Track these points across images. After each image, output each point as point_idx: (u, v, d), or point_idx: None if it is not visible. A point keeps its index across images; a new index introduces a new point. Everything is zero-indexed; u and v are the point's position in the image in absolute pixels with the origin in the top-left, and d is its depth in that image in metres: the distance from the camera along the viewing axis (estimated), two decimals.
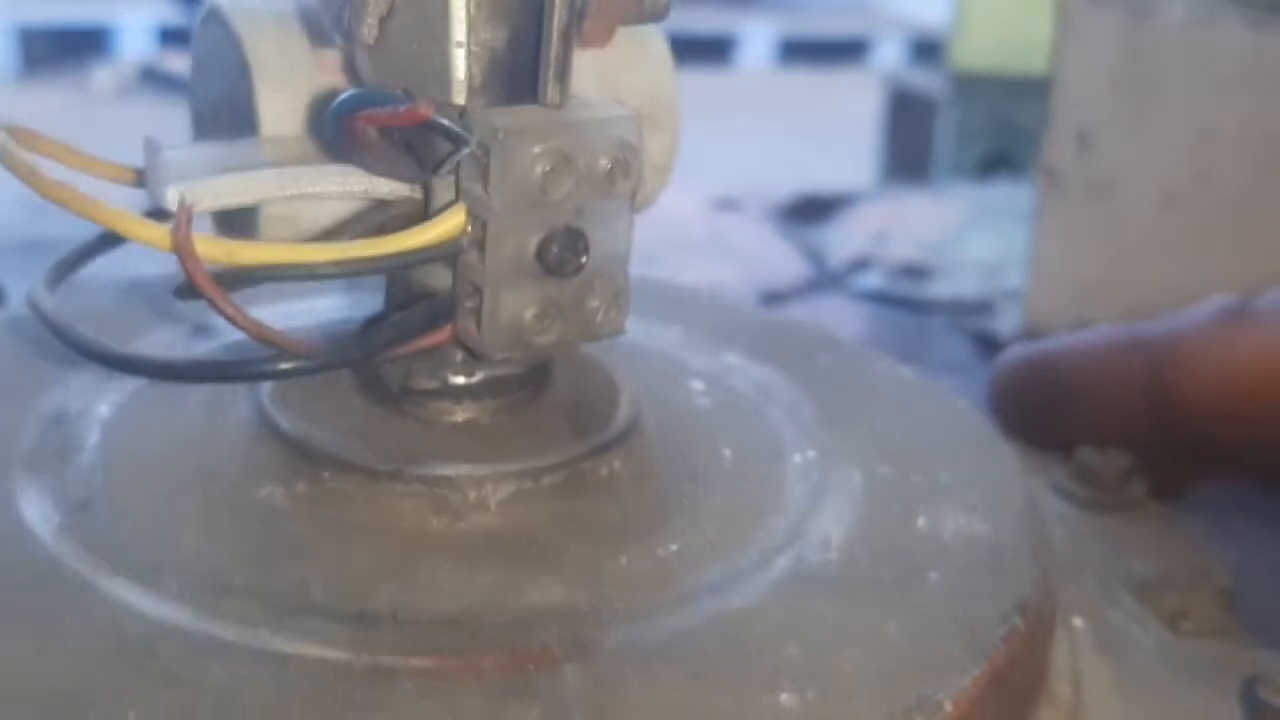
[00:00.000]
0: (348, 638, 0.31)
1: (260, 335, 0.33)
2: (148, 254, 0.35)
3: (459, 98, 0.34)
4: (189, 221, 0.31)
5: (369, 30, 0.34)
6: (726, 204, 1.32)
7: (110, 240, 0.38)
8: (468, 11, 0.33)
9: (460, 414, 0.38)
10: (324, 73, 0.36)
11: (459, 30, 0.33)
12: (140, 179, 0.37)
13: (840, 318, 1.16)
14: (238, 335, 0.43)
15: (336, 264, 0.33)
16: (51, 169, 0.35)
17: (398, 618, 0.32)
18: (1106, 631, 0.40)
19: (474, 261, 0.34)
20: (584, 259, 0.34)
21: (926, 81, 3.69)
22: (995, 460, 0.43)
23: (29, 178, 0.33)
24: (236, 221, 0.35)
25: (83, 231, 0.37)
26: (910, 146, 3.61)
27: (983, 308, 1.20)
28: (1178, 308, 1.01)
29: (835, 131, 5.24)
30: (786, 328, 0.52)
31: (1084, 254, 1.13)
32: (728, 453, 0.41)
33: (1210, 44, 1.01)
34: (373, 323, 0.38)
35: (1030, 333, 1.18)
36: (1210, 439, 0.47)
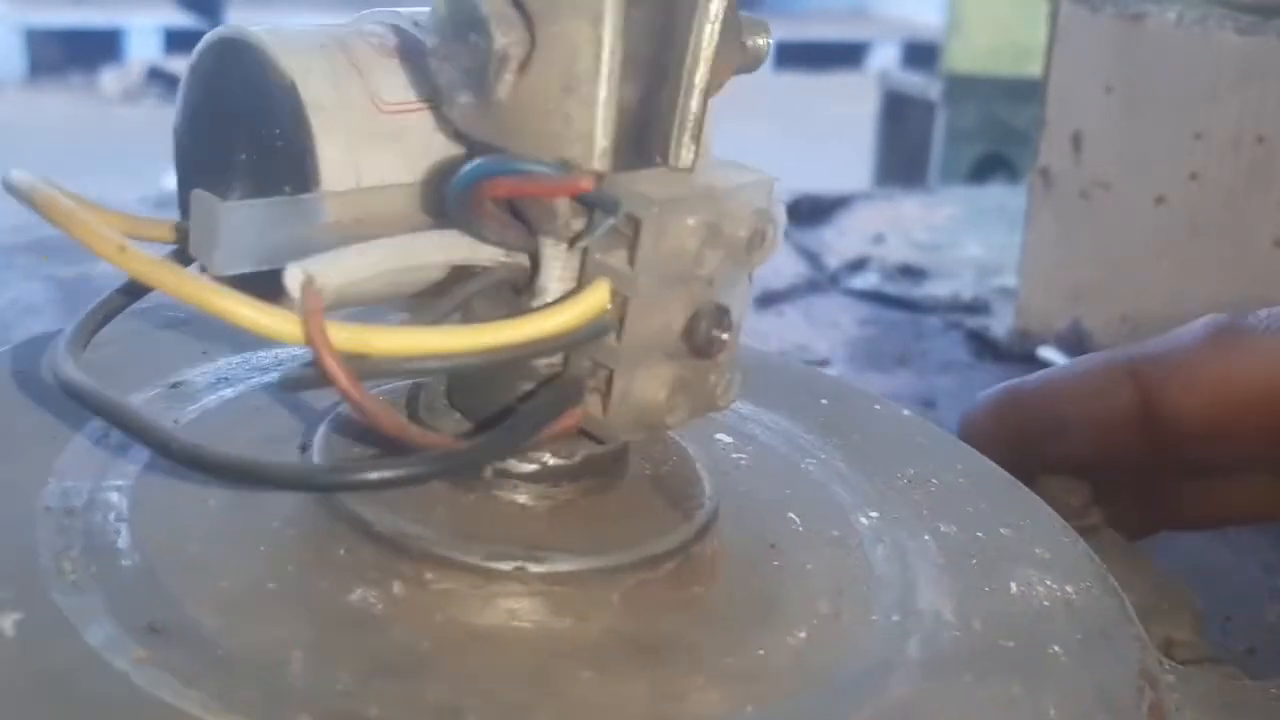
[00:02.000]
0: None
1: (404, 436, 0.30)
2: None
3: (602, 164, 0.30)
4: (320, 308, 0.27)
5: (505, 87, 0.30)
6: None
7: (135, 292, 0.34)
8: (619, 68, 0.30)
9: (559, 497, 0.34)
10: (381, 115, 0.32)
11: (607, 90, 0.30)
12: (179, 236, 0.33)
13: (837, 317, 1.17)
14: (218, 396, 0.39)
15: (485, 351, 0.30)
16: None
17: None
18: None
19: (608, 341, 0.31)
20: (726, 335, 0.32)
21: (922, 84, 3.70)
22: (1033, 508, 0.41)
23: (117, 256, 0.28)
24: (258, 283, 0.30)
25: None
26: (906, 149, 3.62)
27: (978, 308, 1.21)
28: (1169, 309, 1.02)
29: (831, 134, 5.25)
30: (773, 366, 0.49)
31: (1076, 255, 1.13)
32: (794, 516, 0.38)
33: (1201, 48, 1.02)
34: (501, 412, 0.34)
35: (1023, 333, 1.19)
36: (1203, 461, 0.46)
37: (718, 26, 0.31)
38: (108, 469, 0.35)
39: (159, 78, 6.29)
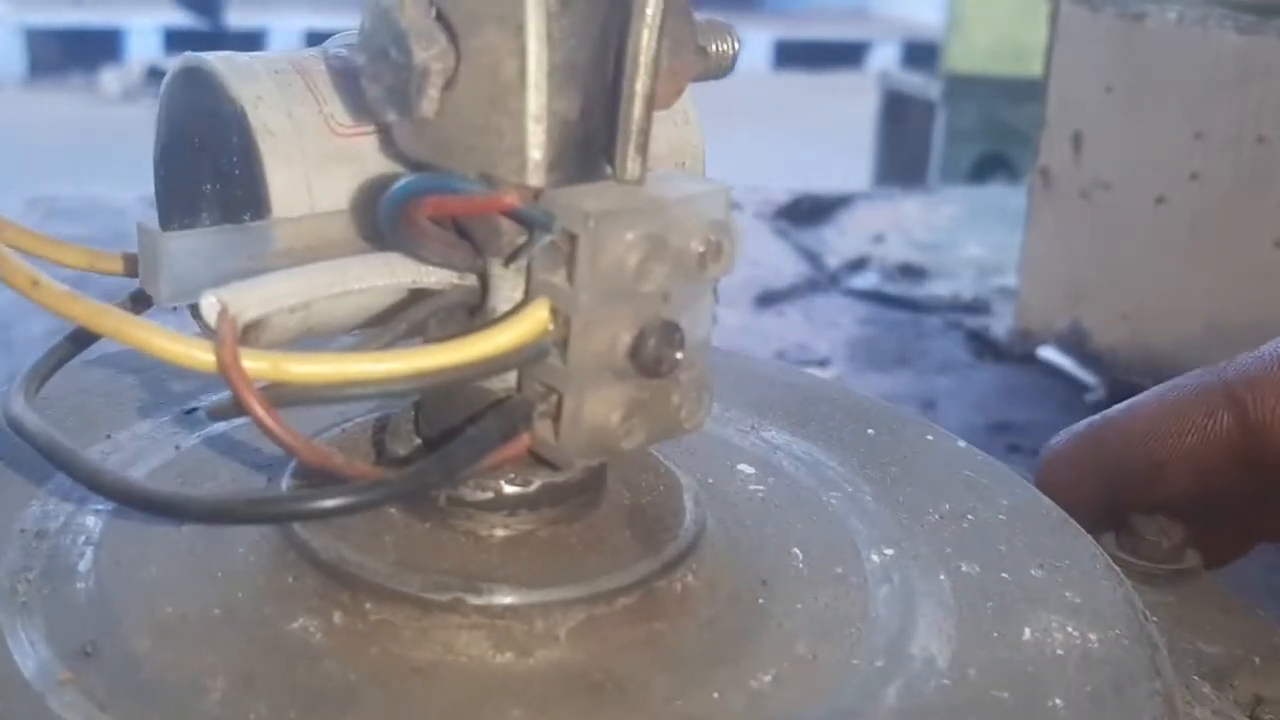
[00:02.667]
0: None
1: (328, 466, 0.28)
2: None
3: (536, 179, 0.29)
4: (235, 337, 0.27)
5: (429, 103, 0.29)
6: None
7: (84, 340, 0.33)
8: (546, 79, 0.29)
9: (515, 527, 0.33)
10: (337, 139, 0.31)
11: (537, 103, 0.29)
12: (131, 267, 0.32)
13: (837, 317, 1.17)
14: (216, 429, 0.38)
15: (411, 378, 0.29)
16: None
17: None
18: None
19: (554, 362, 0.30)
20: (679, 354, 0.30)
21: (922, 84, 3.70)
22: (1078, 548, 0.38)
23: (31, 290, 0.28)
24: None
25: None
26: (906, 148, 3.62)
27: (978, 307, 1.21)
28: (1170, 308, 1.02)
29: (831, 133, 5.25)
30: (819, 393, 0.47)
31: (1076, 255, 1.13)
32: (798, 552, 0.36)
33: (1202, 48, 1.02)
34: (441, 436, 0.33)
35: (1024, 333, 1.19)
36: None
37: (656, 31, 0.29)
38: (92, 495, 0.35)
39: (159, 77, 6.30)
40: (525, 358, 0.30)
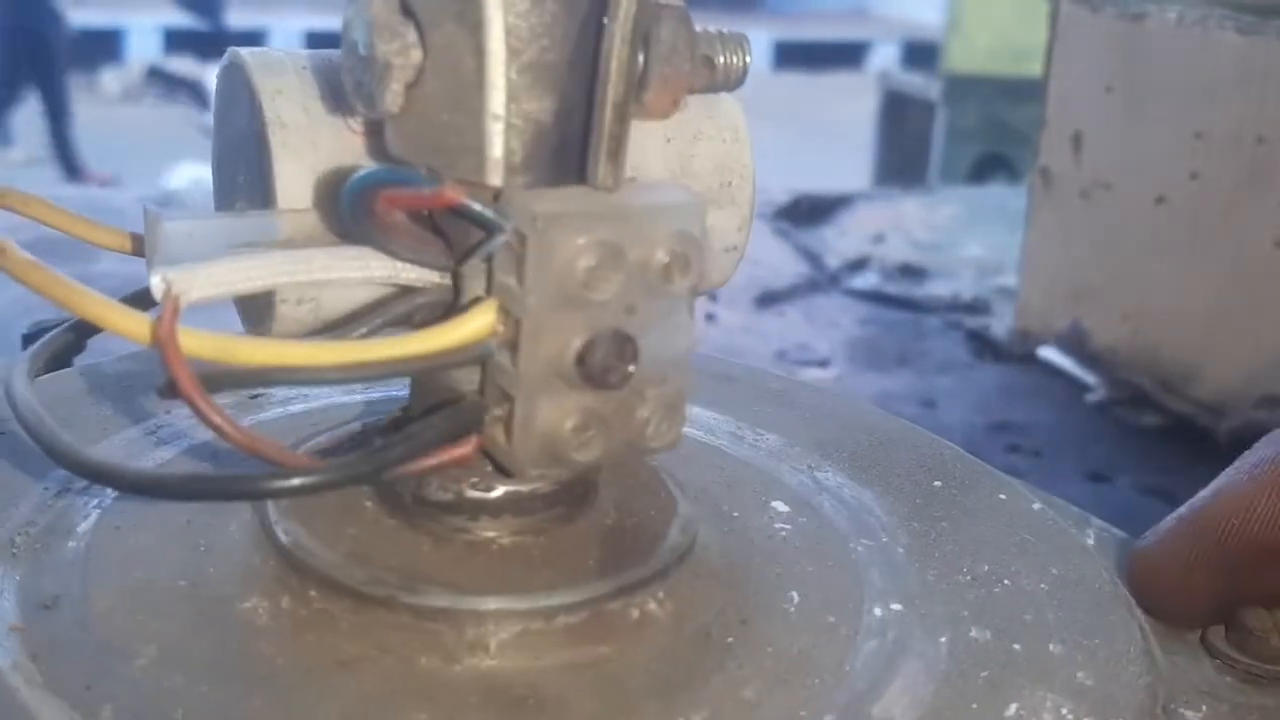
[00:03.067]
0: None
1: (254, 449, 0.28)
2: None
3: (494, 178, 0.29)
4: (175, 313, 0.27)
5: (393, 98, 0.29)
6: None
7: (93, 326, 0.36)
8: (508, 79, 0.28)
9: (478, 532, 0.32)
10: (353, 137, 0.31)
11: (496, 101, 0.28)
12: (139, 246, 0.32)
13: (837, 317, 1.18)
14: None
15: (347, 368, 0.28)
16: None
17: None
18: None
19: (505, 365, 0.29)
20: (631, 367, 0.29)
21: (922, 84, 3.70)
22: (1119, 630, 0.36)
23: None
24: (255, 304, 0.31)
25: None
26: (905, 148, 3.63)
27: (978, 308, 1.21)
28: (1170, 308, 1.02)
29: (831, 133, 5.25)
30: (902, 440, 0.45)
31: (1077, 255, 1.13)
32: (794, 595, 0.35)
33: (1202, 48, 1.02)
34: (396, 426, 0.33)
35: (1024, 333, 1.19)
36: None
37: (628, 35, 0.28)
38: (130, 462, 0.37)
39: (159, 77, 6.29)
40: (467, 358, 0.30)
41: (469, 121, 0.29)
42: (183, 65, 6.22)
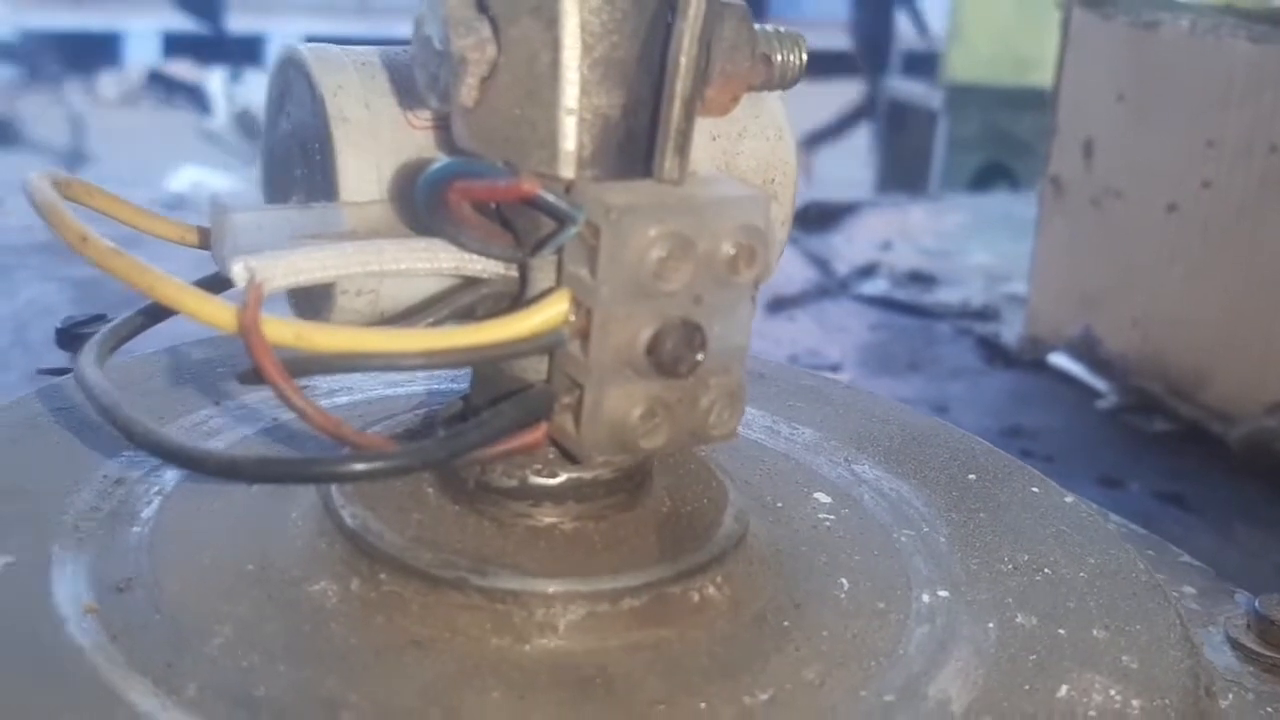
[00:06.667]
0: None
1: (336, 434, 0.29)
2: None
3: (566, 170, 0.30)
4: (259, 302, 0.28)
5: (468, 92, 0.29)
6: None
7: (160, 312, 0.35)
8: (580, 74, 0.29)
9: (540, 518, 0.33)
10: (414, 131, 0.32)
11: (570, 94, 0.29)
12: (205, 240, 0.33)
13: (848, 322, 1.18)
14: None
15: (423, 355, 0.29)
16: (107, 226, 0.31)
17: None
18: None
19: (576, 354, 0.30)
20: (700, 356, 0.30)
21: (924, 93, 3.71)
22: (1158, 617, 0.37)
23: (80, 244, 0.29)
24: (310, 294, 0.32)
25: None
26: (907, 157, 3.63)
27: (988, 314, 1.21)
28: (1181, 316, 1.02)
29: (832, 142, 5.25)
30: (933, 436, 0.46)
31: (1087, 262, 1.14)
32: (844, 582, 0.36)
33: (1214, 56, 1.02)
34: (460, 415, 0.34)
35: (1034, 339, 1.19)
36: None
37: (697, 32, 0.29)
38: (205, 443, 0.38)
39: (158, 81, 6.29)
40: (538, 347, 0.30)
41: (542, 115, 0.29)
42: (183, 69, 6.22)
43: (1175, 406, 1.00)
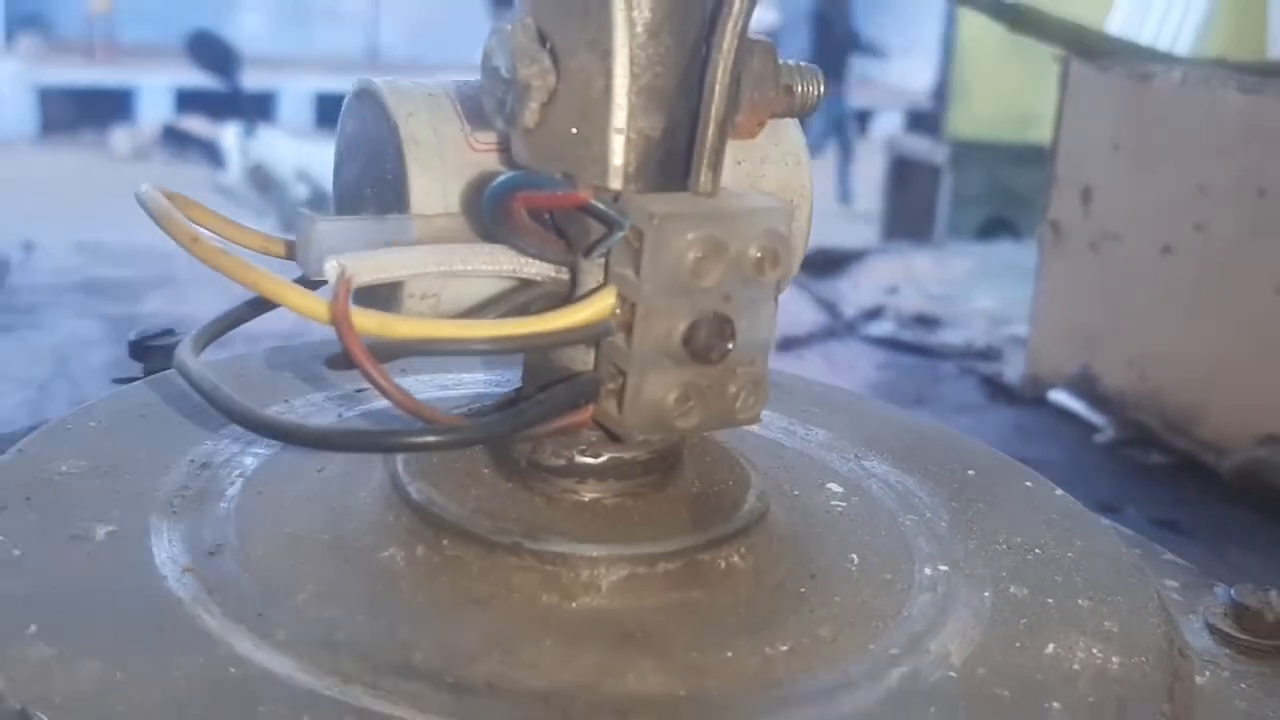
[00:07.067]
0: (440, 705, 0.31)
1: (412, 408, 0.33)
2: (278, 314, 0.36)
3: (615, 183, 0.34)
4: (348, 293, 0.32)
5: (530, 114, 0.34)
6: None
7: (257, 307, 0.38)
8: (629, 99, 0.33)
9: (585, 493, 0.37)
10: (474, 153, 0.36)
11: (620, 117, 0.34)
12: (290, 251, 0.37)
13: (855, 361, 1.22)
14: (377, 405, 0.44)
15: (490, 341, 0.33)
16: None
17: (493, 690, 0.32)
18: None
19: (620, 344, 0.34)
20: (730, 345, 0.34)
21: (929, 149, 3.75)
22: (1138, 590, 0.41)
23: (191, 244, 0.34)
24: (377, 296, 0.36)
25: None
26: (912, 211, 3.67)
27: (990, 355, 1.25)
28: (1176, 354, 1.06)
29: (837, 196, 5.30)
30: (934, 437, 0.51)
31: (1086, 303, 1.17)
32: (854, 557, 0.40)
33: (1206, 106, 1.06)
34: (514, 399, 0.39)
35: (1034, 378, 1.23)
36: None
37: (730, 64, 0.33)
38: (254, 438, 0.42)
39: (173, 136, 6.35)
40: (589, 335, 0.35)
41: (595, 135, 0.34)
42: (196, 124, 6.29)
43: (1170, 440, 1.03)
